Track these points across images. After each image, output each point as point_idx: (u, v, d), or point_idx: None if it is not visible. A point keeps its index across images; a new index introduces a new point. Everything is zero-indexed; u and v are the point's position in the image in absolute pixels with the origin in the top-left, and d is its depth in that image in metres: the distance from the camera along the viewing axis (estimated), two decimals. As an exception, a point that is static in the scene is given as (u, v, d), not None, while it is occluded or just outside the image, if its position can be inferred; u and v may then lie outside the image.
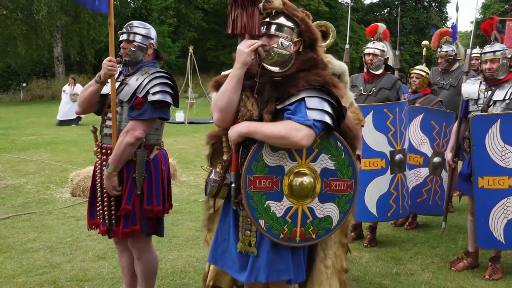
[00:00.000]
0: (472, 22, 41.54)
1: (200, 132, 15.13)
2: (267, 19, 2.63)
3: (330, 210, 2.63)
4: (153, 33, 3.66)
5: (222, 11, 39.17)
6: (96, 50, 34.28)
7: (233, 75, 2.54)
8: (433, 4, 50.11)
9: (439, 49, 7.09)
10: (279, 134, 2.42)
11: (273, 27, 2.60)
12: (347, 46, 5.77)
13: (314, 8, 37.95)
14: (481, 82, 4.72)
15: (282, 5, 2.60)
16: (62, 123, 17.07)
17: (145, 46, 3.58)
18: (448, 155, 4.95)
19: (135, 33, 3.56)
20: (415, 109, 5.86)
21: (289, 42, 2.59)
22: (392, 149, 5.15)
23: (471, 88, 4.77)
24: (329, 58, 3.73)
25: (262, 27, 2.61)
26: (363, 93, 5.50)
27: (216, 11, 39.82)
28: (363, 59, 5.64)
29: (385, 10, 50.01)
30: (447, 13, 51.33)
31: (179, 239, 5.52)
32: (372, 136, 5.09)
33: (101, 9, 3.55)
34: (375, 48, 5.51)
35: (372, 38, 5.73)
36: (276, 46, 2.56)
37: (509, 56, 4.64)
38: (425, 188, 5.87)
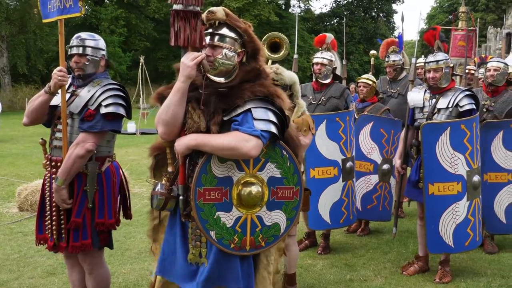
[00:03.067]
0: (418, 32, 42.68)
1: (152, 143, 14.95)
2: (210, 30, 2.63)
3: (278, 217, 2.68)
4: (102, 44, 3.60)
5: (173, 21, 39.02)
6: (45, 60, 33.51)
7: (177, 89, 2.51)
8: (381, 15, 51.44)
9: (386, 59, 7.25)
10: (228, 146, 2.43)
11: (217, 38, 2.60)
12: (295, 56, 5.84)
13: (265, 18, 38.37)
14: (425, 91, 4.83)
15: (225, 16, 2.61)
16: None
17: (97, 59, 3.52)
18: (397, 162, 5.02)
19: (86, 46, 3.49)
20: (364, 118, 5.97)
21: (233, 53, 2.60)
22: (344, 157, 5.22)
23: (416, 96, 4.88)
24: (280, 70, 3.77)
25: (205, 38, 2.61)
26: (313, 102, 5.56)
27: (167, 21, 39.44)
28: (312, 68, 5.71)
29: (335, 20, 50.99)
30: (394, 23, 52.84)
31: (132, 252, 5.42)
32: (325, 145, 5.14)
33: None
34: (323, 58, 5.59)
35: (320, 48, 5.82)
36: (220, 57, 2.57)
37: (451, 65, 4.78)
38: (375, 194, 5.98)
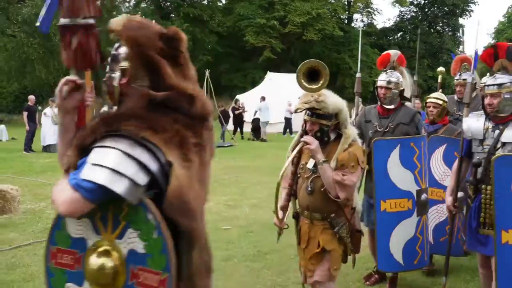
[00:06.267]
0: (485, 47, 41.28)
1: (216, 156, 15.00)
2: None
3: None
4: None
5: (236, 34, 39.54)
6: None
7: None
8: (447, 29, 50.12)
9: (457, 77, 6.42)
10: (52, 197, 1.86)
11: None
12: (358, 74, 5.41)
13: (329, 33, 38.22)
14: (486, 118, 4.05)
15: (120, 27, 2.01)
16: (48, 148, 15.85)
17: None
18: (448, 199, 4.32)
19: None
20: (436, 140, 5.39)
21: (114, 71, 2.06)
22: (419, 188, 4.64)
23: (474, 125, 4.09)
24: (322, 97, 3.46)
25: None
26: (379, 129, 4.90)
27: (230, 34, 40.18)
28: (376, 91, 5.02)
29: (398, 35, 50.10)
30: (461, 37, 51.33)
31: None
32: (398, 174, 4.58)
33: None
34: (388, 81, 4.89)
35: (385, 68, 5.06)
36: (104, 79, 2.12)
37: None
38: (448, 225, 5.43)
